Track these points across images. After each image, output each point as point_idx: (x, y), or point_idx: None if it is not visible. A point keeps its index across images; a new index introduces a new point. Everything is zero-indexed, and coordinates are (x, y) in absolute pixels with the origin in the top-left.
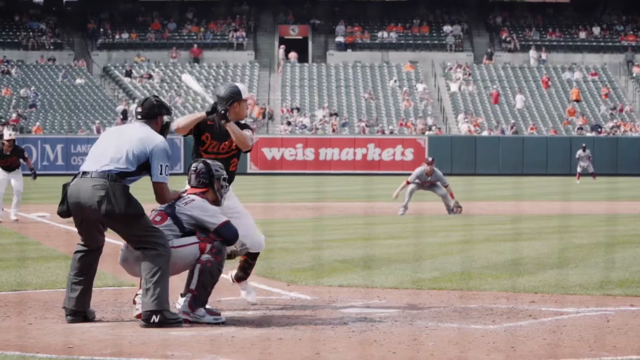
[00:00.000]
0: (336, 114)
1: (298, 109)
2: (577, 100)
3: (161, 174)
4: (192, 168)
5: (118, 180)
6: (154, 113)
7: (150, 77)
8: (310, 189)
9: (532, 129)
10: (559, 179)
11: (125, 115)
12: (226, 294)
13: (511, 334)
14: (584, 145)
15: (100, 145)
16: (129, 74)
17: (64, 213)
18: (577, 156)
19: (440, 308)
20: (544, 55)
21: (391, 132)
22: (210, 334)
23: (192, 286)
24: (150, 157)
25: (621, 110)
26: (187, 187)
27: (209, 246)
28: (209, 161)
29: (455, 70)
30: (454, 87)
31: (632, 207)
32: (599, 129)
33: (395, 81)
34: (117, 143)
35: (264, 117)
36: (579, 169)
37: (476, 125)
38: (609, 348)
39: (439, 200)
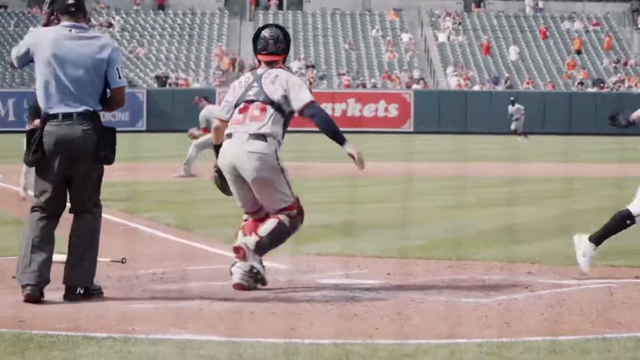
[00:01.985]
0: (313, 66)
1: None
2: (578, 52)
3: (120, 78)
4: (268, 34)
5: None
6: (83, 6)
7: (110, 25)
8: (287, 147)
9: (528, 83)
10: (558, 137)
11: None
12: (193, 263)
13: (505, 308)
14: (512, 98)
15: (61, 80)
16: (87, 22)
17: (33, 162)
18: (509, 113)
19: (427, 279)
20: (541, 3)
21: (373, 86)
22: (175, 306)
23: (263, 233)
24: (107, 64)
25: (625, 64)
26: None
27: (294, 211)
28: (279, 25)
29: (444, 19)
30: (442, 37)
31: None
32: (602, 84)
33: (377, 30)
34: (75, 74)
35: (234, 68)
36: (513, 127)
37: (466, 79)
38: (612, 324)
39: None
